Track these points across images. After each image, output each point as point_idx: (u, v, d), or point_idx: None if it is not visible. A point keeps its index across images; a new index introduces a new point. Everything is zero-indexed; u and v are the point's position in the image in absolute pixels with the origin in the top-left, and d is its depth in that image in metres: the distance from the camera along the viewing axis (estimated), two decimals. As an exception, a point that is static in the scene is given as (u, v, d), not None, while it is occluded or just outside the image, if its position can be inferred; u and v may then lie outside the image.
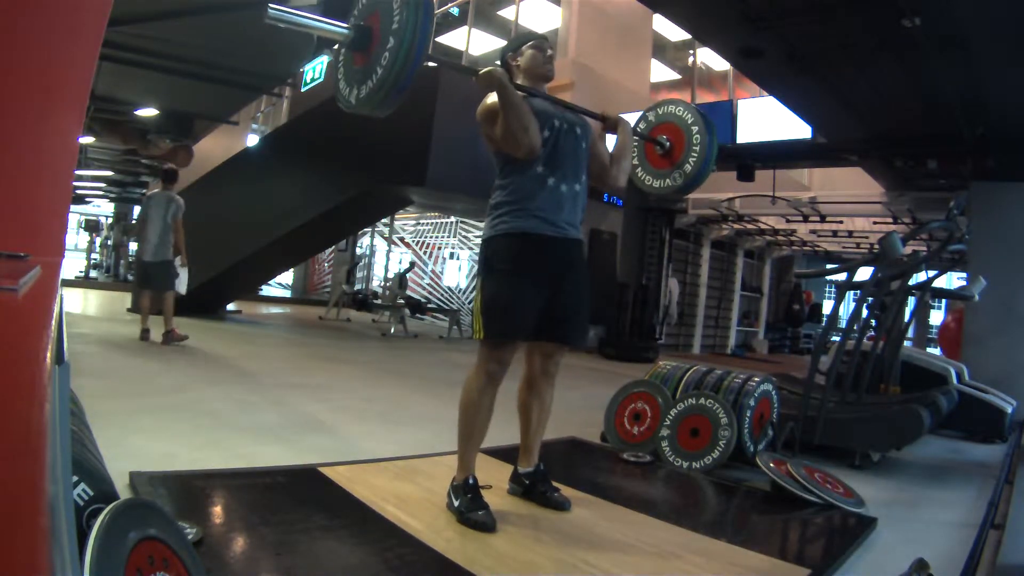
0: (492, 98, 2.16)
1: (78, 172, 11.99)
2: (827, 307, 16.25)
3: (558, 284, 2.23)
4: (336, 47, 2.10)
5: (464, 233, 12.95)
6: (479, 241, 13.28)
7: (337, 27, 1.95)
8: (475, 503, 2.12)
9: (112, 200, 17.59)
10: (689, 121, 2.63)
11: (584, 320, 2.38)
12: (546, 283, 2.21)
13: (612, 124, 2.46)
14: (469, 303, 12.58)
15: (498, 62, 2.35)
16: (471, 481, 2.18)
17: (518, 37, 2.42)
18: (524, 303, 2.17)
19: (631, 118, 2.66)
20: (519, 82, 2.28)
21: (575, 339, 2.33)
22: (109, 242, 15.58)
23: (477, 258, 2.33)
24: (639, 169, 2.76)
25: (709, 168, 2.61)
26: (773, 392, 3.44)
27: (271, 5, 1.75)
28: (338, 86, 2.04)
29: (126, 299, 8.51)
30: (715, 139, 2.61)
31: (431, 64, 2.18)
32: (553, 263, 2.22)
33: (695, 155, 2.60)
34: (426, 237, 13.99)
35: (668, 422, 3.24)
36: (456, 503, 2.14)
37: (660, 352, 9.52)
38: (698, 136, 2.60)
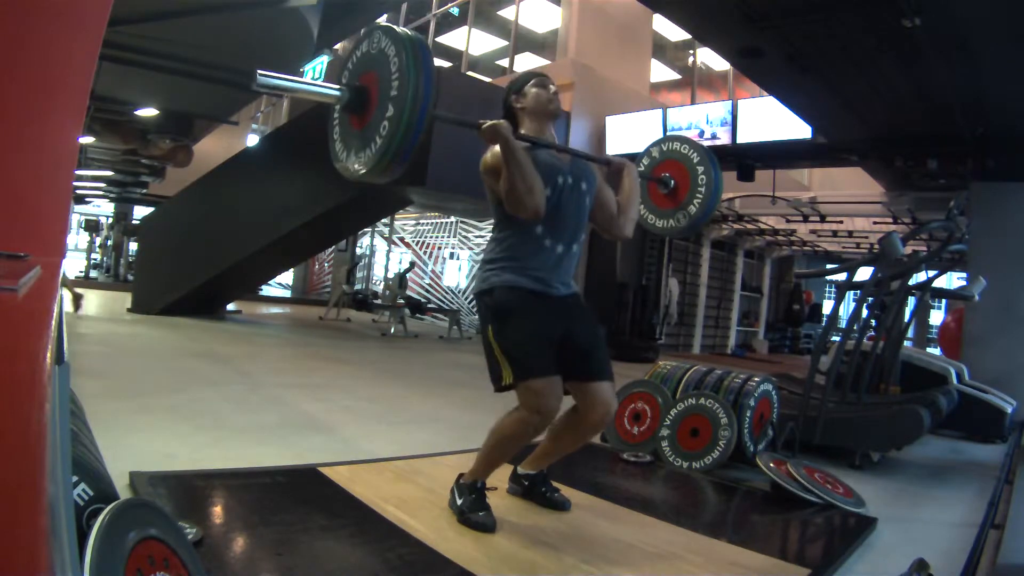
0: (495, 150, 2.08)
1: (78, 172, 11.99)
2: (827, 307, 16.25)
3: (568, 328, 2.16)
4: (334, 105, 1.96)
5: (464, 233, 12.94)
6: (479, 241, 13.17)
7: (330, 90, 1.85)
8: (478, 504, 2.13)
9: (112, 200, 17.56)
10: (694, 160, 2.60)
11: (606, 356, 2.28)
12: (555, 324, 2.14)
13: (617, 170, 2.38)
14: (469, 303, 12.58)
15: (498, 121, 2.20)
16: (479, 485, 2.18)
17: (518, 79, 2.33)
18: (542, 337, 2.10)
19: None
20: (524, 129, 2.21)
21: (605, 371, 2.22)
22: (109, 242, 15.56)
23: (478, 310, 2.25)
24: (642, 208, 2.72)
25: (714, 207, 2.60)
26: (773, 392, 3.44)
27: (260, 72, 1.66)
28: (334, 147, 1.94)
29: (126, 299, 8.51)
30: (720, 177, 2.59)
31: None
32: (556, 312, 2.16)
33: (700, 195, 2.57)
34: (426, 237, 13.99)
35: (668, 422, 3.23)
36: (459, 501, 2.14)
37: (660, 352, 9.52)
38: (703, 176, 2.57)
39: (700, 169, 2.58)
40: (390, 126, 1.69)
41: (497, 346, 2.11)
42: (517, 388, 2.09)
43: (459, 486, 2.20)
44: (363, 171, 1.82)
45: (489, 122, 2.00)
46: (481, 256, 2.26)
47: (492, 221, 2.27)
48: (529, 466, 2.43)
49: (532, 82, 2.27)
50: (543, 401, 2.05)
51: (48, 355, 0.61)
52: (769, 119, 7.63)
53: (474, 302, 2.29)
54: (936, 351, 8.14)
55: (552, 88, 2.27)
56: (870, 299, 4.15)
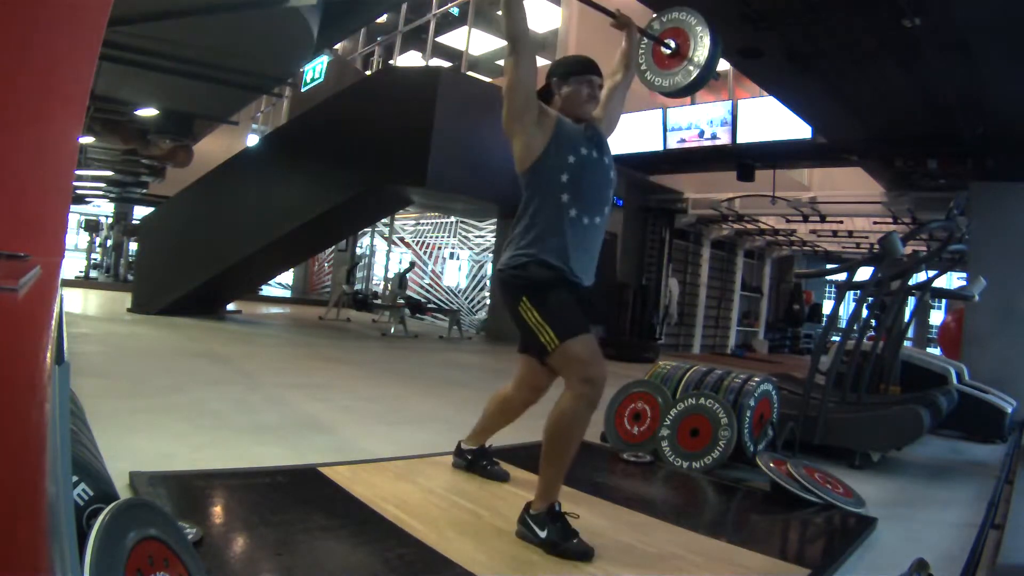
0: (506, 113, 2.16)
1: (78, 172, 11.99)
2: (827, 307, 16.25)
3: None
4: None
5: (464, 233, 12.94)
6: (479, 241, 13.06)
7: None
8: (567, 531, 1.95)
9: (112, 200, 17.56)
10: (692, 22, 2.69)
11: None
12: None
13: (623, 23, 2.51)
14: (469, 303, 12.58)
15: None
16: (557, 508, 1.99)
17: (568, 63, 2.33)
18: (575, 306, 2.12)
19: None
20: (557, 109, 2.25)
21: None
22: (109, 242, 15.57)
23: (507, 287, 2.20)
24: (648, 74, 2.78)
25: (717, 58, 2.65)
26: (773, 392, 3.44)
27: None
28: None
29: (126, 299, 8.51)
30: (719, 35, 2.65)
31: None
32: (574, 293, 2.18)
33: (702, 49, 2.64)
34: (426, 237, 14.00)
35: (668, 422, 3.23)
36: (543, 534, 1.95)
37: (660, 352, 9.52)
38: (702, 32, 2.65)
39: (699, 29, 2.66)
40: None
41: (535, 312, 2.08)
42: (560, 355, 2.05)
43: (534, 517, 1.99)
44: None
45: None
46: (511, 237, 2.22)
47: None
48: (473, 441, 2.65)
49: (576, 77, 2.26)
50: (590, 366, 2.02)
51: (48, 355, 0.62)
52: (769, 119, 7.63)
53: (500, 281, 2.24)
54: (936, 351, 8.14)
55: (595, 86, 2.27)
56: (870, 299, 4.15)
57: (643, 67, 2.77)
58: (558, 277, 2.13)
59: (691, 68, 2.67)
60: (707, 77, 2.68)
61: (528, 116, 2.14)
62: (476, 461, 2.62)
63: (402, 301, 9.81)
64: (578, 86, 2.24)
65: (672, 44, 2.72)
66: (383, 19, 13.35)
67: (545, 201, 2.14)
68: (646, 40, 2.74)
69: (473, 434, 2.67)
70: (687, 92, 2.71)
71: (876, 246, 3.71)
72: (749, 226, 12.17)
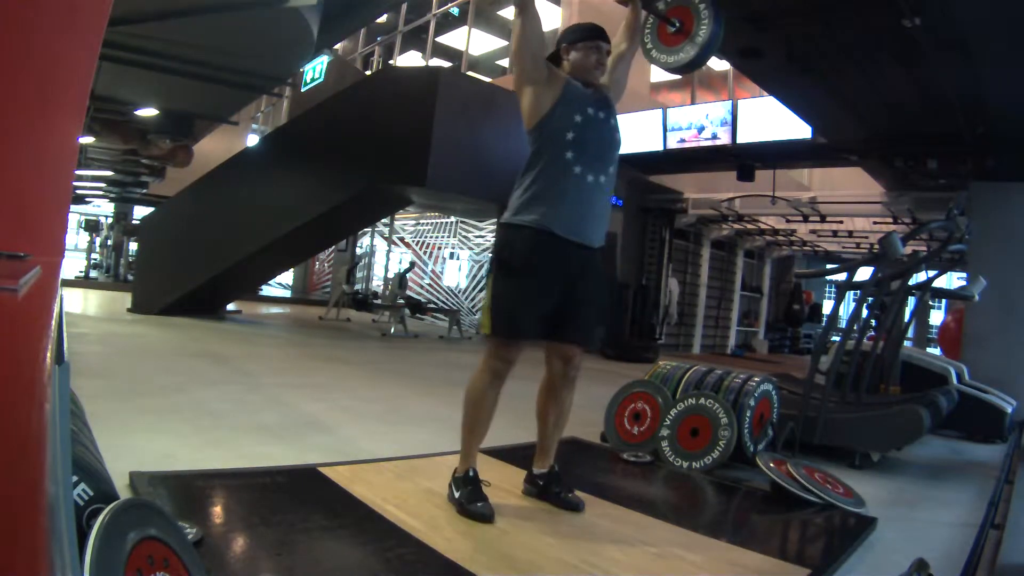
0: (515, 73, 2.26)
1: (78, 172, 11.99)
2: (827, 307, 16.25)
3: (572, 286, 2.24)
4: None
5: (464, 233, 12.94)
6: (479, 241, 13.09)
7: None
8: (475, 495, 2.16)
9: (112, 200, 17.56)
10: (696, 1, 2.71)
11: (592, 321, 2.37)
12: (559, 285, 2.21)
13: None
14: (469, 303, 12.58)
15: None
16: (471, 473, 2.22)
17: (577, 29, 2.40)
18: (533, 305, 2.19)
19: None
20: (566, 73, 2.33)
21: (583, 339, 2.36)
22: (109, 242, 15.57)
23: (494, 248, 2.33)
24: (653, 51, 2.82)
25: (720, 36, 2.68)
26: (773, 392, 3.44)
27: None
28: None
29: (126, 299, 8.51)
30: (721, 15, 2.68)
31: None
32: (569, 266, 2.22)
33: (704, 27, 2.67)
34: (426, 237, 14.00)
35: (668, 422, 3.24)
36: (456, 494, 2.18)
37: (660, 352, 9.52)
38: (705, 11, 2.67)
39: (702, 7, 2.67)
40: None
41: (490, 294, 2.24)
42: (488, 339, 2.27)
43: (454, 480, 2.24)
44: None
45: None
46: (515, 190, 2.29)
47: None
48: (539, 463, 2.44)
49: (585, 43, 2.33)
50: (502, 362, 2.25)
51: (48, 355, 0.62)
52: (769, 119, 7.63)
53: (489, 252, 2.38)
54: (936, 351, 8.14)
55: (603, 52, 2.34)
56: (870, 299, 4.15)
57: (648, 44, 2.81)
58: (544, 247, 2.18)
59: (694, 45, 2.71)
60: (709, 54, 2.73)
61: (537, 75, 2.22)
62: (548, 487, 2.38)
63: (402, 301, 9.81)
64: (586, 52, 2.32)
65: (677, 23, 2.76)
66: (383, 19, 13.35)
67: (551, 157, 2.21)
68: (651, 18, 2.76)
69: (538, 453, 2.44)
70: (690, 68, 2.77)
71: (876, 246, 3.71)
72: (749, 226, 12.17)
